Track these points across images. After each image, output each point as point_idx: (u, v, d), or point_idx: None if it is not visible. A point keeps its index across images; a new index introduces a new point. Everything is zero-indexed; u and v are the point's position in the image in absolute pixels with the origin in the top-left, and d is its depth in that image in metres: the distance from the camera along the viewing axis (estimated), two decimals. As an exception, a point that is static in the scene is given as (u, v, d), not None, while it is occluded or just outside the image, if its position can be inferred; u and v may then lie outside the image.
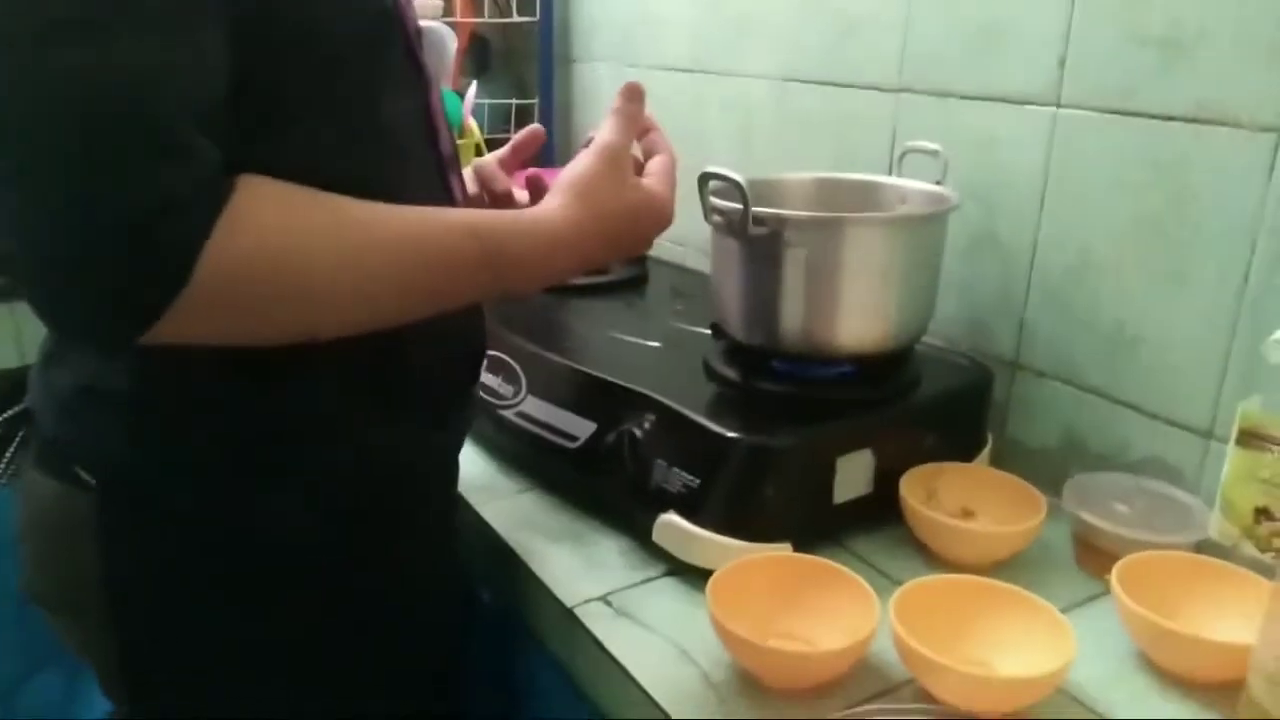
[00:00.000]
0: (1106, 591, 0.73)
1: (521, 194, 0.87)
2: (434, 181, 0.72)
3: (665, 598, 0.78)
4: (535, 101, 1.74)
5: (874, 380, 0.89)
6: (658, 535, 0.81)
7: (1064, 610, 0.68)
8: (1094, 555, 0.81)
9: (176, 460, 0.63)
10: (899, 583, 0.70)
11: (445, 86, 1.49)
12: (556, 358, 0.96)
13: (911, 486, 0.84)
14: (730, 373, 0.91)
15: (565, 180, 0.69)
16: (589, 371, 0.92)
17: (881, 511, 0.84)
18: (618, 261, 0.75)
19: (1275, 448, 0.70)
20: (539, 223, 0.66)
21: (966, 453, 0.93)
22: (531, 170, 0.88)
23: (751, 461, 0.79)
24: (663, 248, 1.52)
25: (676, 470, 0.81)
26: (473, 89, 1.44)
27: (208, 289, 0.49)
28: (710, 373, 0.93)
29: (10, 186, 0.47)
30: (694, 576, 0.78)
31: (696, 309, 1.11)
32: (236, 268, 0.51)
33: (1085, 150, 0.89)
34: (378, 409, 0.68)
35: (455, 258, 0.61)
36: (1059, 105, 0.91)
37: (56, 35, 0.46)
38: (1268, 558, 0.72)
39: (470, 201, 0.86)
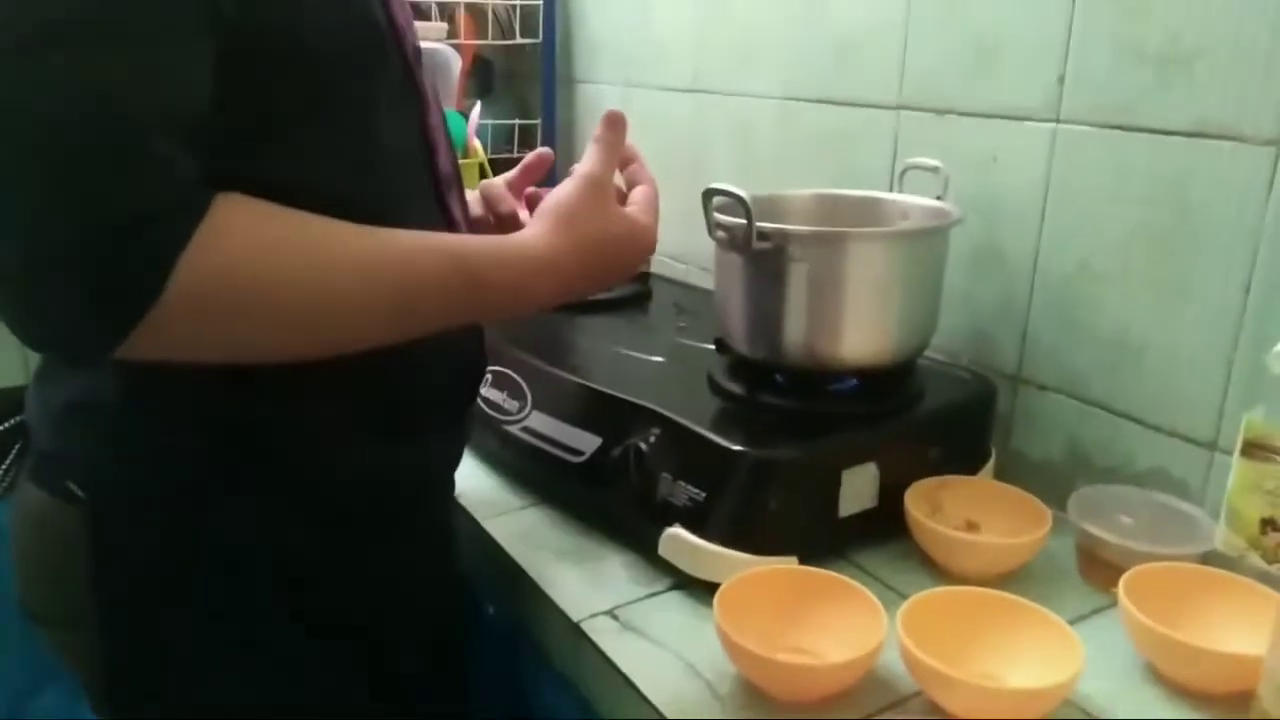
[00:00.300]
0: (1112, 604, 0.73)
1: (526, 215, 0.87)
2: (429, 201, 0.72)
3: (672, 611, 0.78)
4: (538, 122, 1.76)
5: (878, 394, 0.90)
6: (664, 549, 0.81)
7: (1070, 622, 0.68)
8: (1099, 568, 0.81)
9: (165, 474, 0.64)
10: (905, 596, 0.70)
11: (449, 108, 1.51)
12: (561, 373, 0.97)
13: (916, 500, 0.84)
14: (735, 387, 0.92)
15: (547, 207, 0.69)
16: (594, 386, 0.93)
17: (886, 525, 0.84)
18: (609, 285, 0.74)
19: None
20: (519, 249, 0.66)
21: (971, 466, 0.93)
22: (531, 189, 0.89)
23: (757, 474, 0.79)
24: (664, 265, 1.53)
25: (682, 484, 0.81)
26: (477, 109, 1.46)
27: (180, 304, 0.49)
28: (715, 387, 0.93)
29: None
30: (700, 590, 0.78)
31: (700, 325, 1.11)
32: (210, 283, 0.50)
33: (1086, 165, 0.90)
34: (371, 425, 0.69)
35: (432, 282, 0.60)
36: (1058, 121, 0.92)
37: (34, 44, 0.47)
38: (1274, 569, 0.72)
39: (475, 222, 0.86)
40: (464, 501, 0.95)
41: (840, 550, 0.85)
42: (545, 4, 1.68)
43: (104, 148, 0.47)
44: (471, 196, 0.89)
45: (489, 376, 1.01)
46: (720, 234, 0.88)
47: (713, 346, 0.98)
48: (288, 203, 0.57)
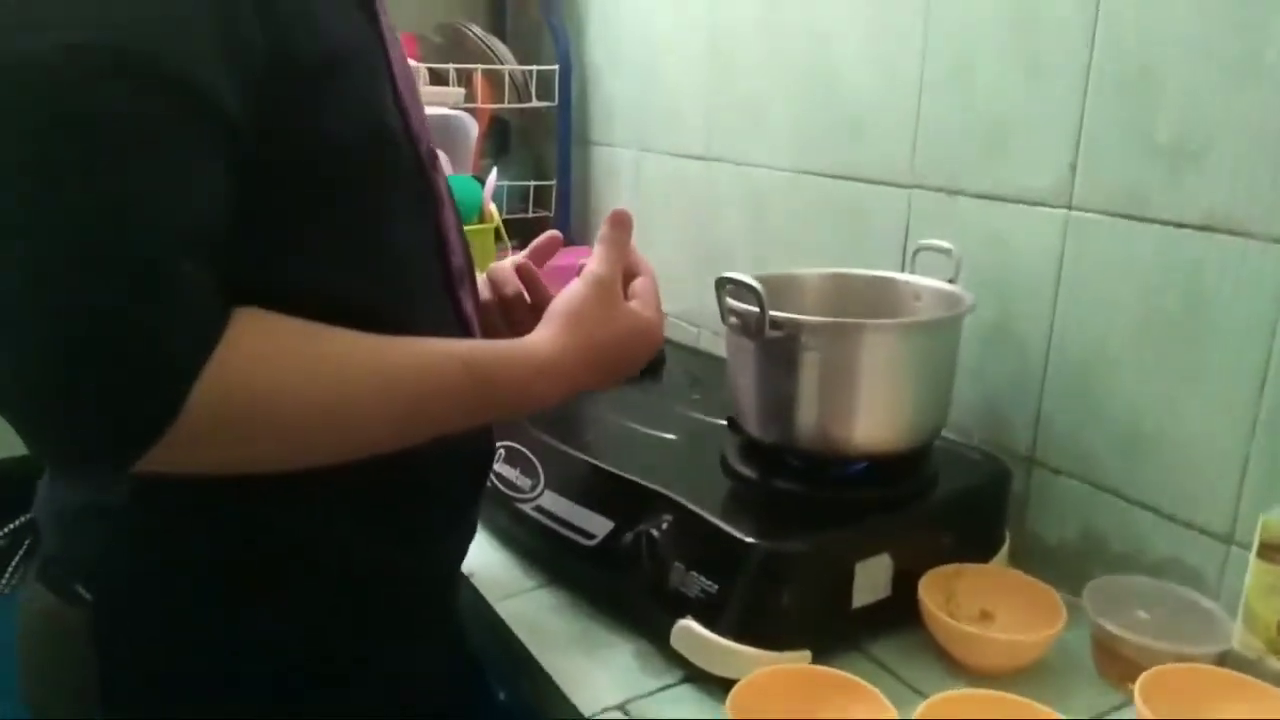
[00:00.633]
0: (1129, 700, 0.72)
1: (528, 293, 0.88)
2: (442, 299, 0.73)
3: (683, 707, 0.77)
4: (554, 183, 1.77)
5: (891, 479, 0.90)
6: (676, 641, 0.80)
7: (1087, 727, 0.67)
8: (1116, 663, 0.80)
9: (172, 578, 0.64)
10: (919, 691, 0.69)
11: (465, 173, 1.53)
12: (574, 452, 0.97)
13: (930, 589, 0.84)
14: (747, 470, 0.92)
15: (556, 310, 0.71)
16: (606, 468, 0.93)
17: (900, 613, 0.84)
18: (619, 381, 0.75)
19: (1297, 561, 0.70)
20: (528, 353, 0.67)
21: (985, 551, 0.92)
22: (525, 263, 0.89)
23: (770, 568, 0.78)
24: (677, 327, 1.54)
25: (694, 574, 0.81)
26: (493, 175, 1.47)
27: (197, 424, 0.50)
28: (727, 468, 0.93)
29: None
30: (713, 684, 0.77)
31: (712, 398, 1.11)
32: (227, 403, 0.51)
33: (1098, 251, 0.90)
34: (379, 525, 0.69)
35: (445, 391, 0.62)
36: (1070, 208, 0.92)
37: (50, 164, 0.47)
38: (1293, 672, 0.71)
39: (482, 308, 0.86)
40: (475, 581, 0.95)
41: (854, 641, 0.84)
42: (561, 69, 1.70)
43: (121, 268, 0.48)
44: (480, 279, 0.90)
45: (501, 452, 1.01)
46: (733, 320, 0.89)
47: (725, 422, 0.98)
48: (303, 309, 0.57)
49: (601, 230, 0.76)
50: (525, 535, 0.98)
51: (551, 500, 0.96)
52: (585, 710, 0.76)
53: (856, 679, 0.72)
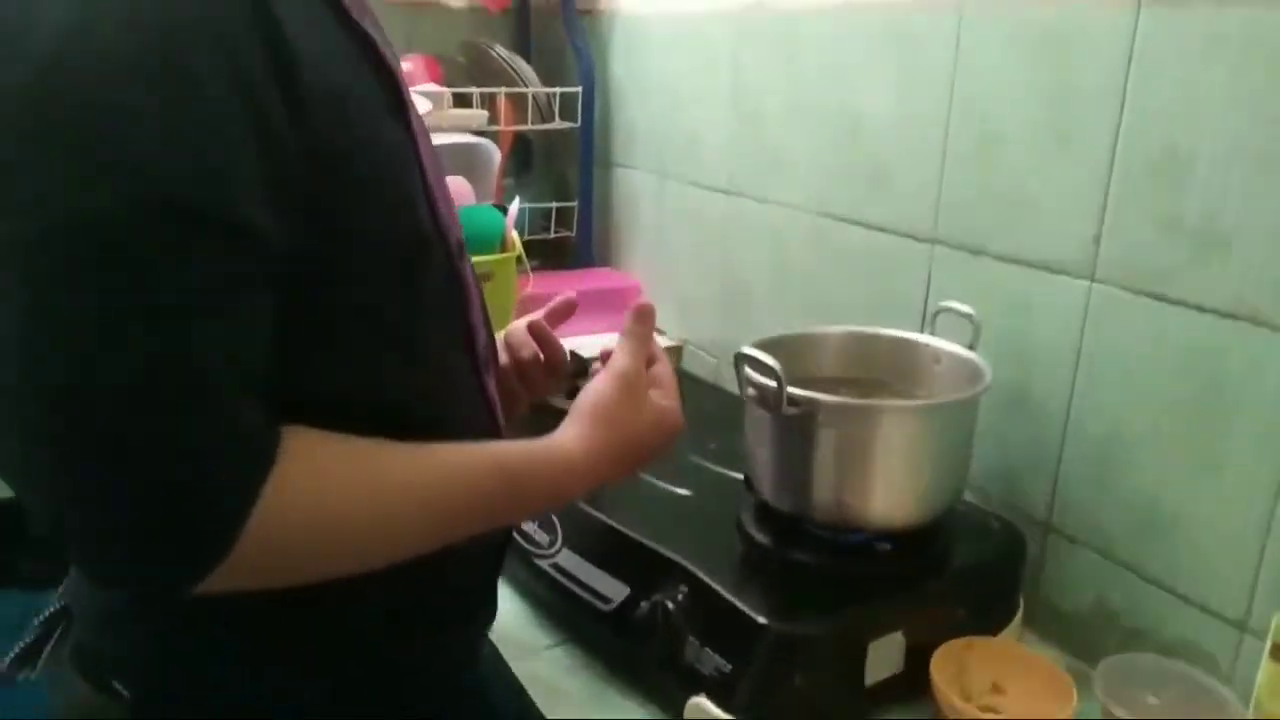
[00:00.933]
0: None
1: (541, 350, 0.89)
2: (469, 387, 0.73)
3: (695, 785, 0.78)
4: (575, 204, 1.77)
5: (906, 552, 0.90)
6: (689, 716, 0.81)
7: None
8: (1126, 748, 0.80)
9: (209, 676, 0.65)
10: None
11: (487, 202, 1.53)
12: (591, 510, 0.98)
13: (942, 665, 0.84)
14: (761, 535, 0.93)
15: (584, 407, 0.72)
16: (622, 530, 0.94)
17: (913, 687, 0.85)
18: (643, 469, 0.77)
19: (1310, 666, 0.70)
20: (558, 455, 0.69)
21: (998, 620, 0.93)
22: (536, 320, 0.90)
23: (784, 651, 0.79)
24: (695, 357, 1.55)
25: (708, 651, 0.82)
26: (515, 205, 1.47)
27: (249, 555, 0.51)
28: (742, 532, 0.94)
29: (52, 453, 0.49)
30: (724, 762, 0.79)
31: (728, 448, 1.11)
32: (278, 534, 0.53)
33: (1120, 327, 0.90)
34: (407, 620, 0.70)
35: (482, 499, 0.64)
36: (1093, 280, 0.92)
37: (111, 321, 0.48)
38: (1303, 774, 0.72)
39: (500, 374, 0.86)
40: (492, 636, 0.96)
41: (865, 716, 0.85)
42: (584, 90, 1.69)
43: (176, 410, 0.49)
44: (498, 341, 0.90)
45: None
46: (751, 392, 0.89)
47: (740, 476, 0.99)
48: (332, 407, 0.59)
49: (626, 323, 0.77)
50: (543, 591, 1.00)
51: (569, 559, 0.97)
52: (599, 786, 0.78)
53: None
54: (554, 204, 1.78)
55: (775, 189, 1.34)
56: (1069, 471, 0.97)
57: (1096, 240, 0.91)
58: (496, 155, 1.57)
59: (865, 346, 1.03)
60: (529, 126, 1.70)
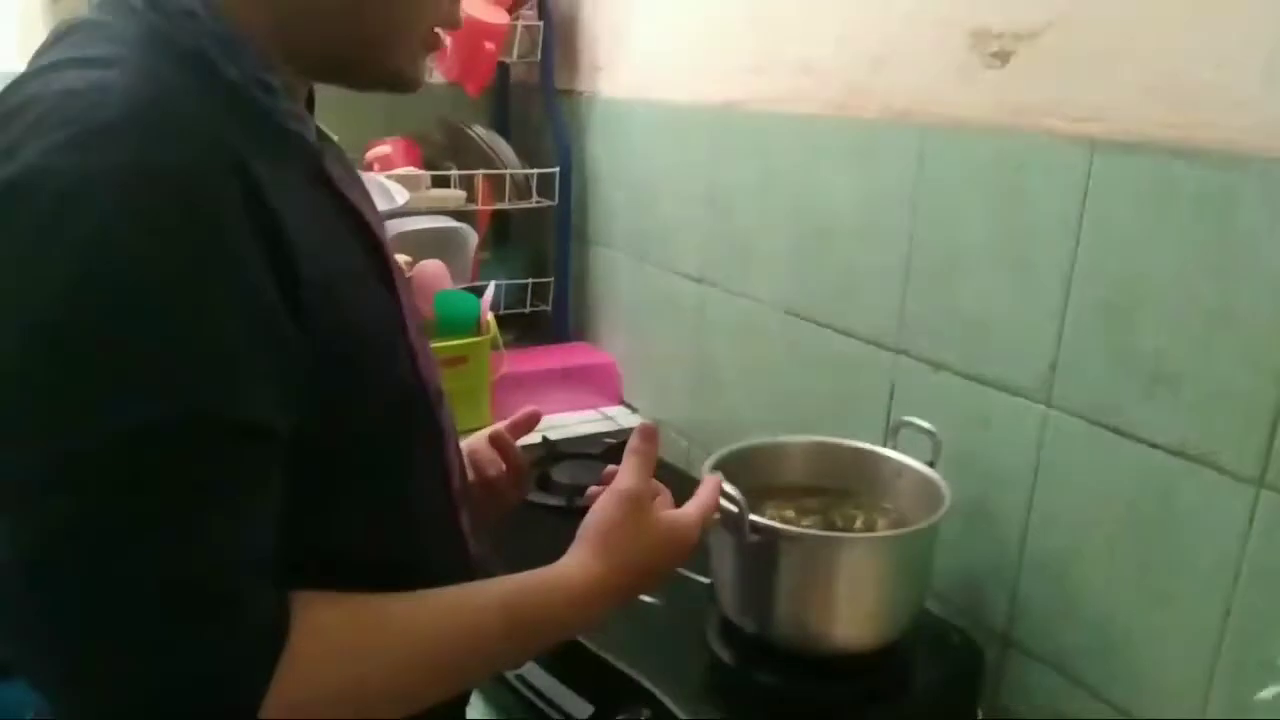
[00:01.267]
0: None
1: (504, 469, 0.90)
2: (446, 528, 0.75)
3: None
4: (551, 280, 1.79)
5: (865, 674, 0.91)
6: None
7: None
8: None
9: None
10: None
11: (464, 281, 1.55)
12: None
13: (900, 789, 0.86)
14: (725, 654, 0.94)
15: (589, 531, 0.71)
16: (589, 646, 0.95)
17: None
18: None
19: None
20: (565, 586, 0.68)
21: (957, 733, 0.94)
22: (497, 432, 0.91)
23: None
24: (669, 441, 1.56)
25: (669, 778, 0.83)
26: (490, 289, 1.49)
27: None
28: (707, 649, 0.95)
29: (64, 651, 0.50)
30: None
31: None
32: (293, 710, 0.53)
33: (1075, 453, 0.92)
34: None
35: (491, 647, 0.64)
36: (1049, 405, 0.94)
37: (128, 531, 0.49)
38: None
39: (467, 489, 0.88)
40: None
41: (823, 840, 0.86)
42: (561, 170, 1.72)
43: (191, 612, 0.50)
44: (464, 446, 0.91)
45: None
46: (716, 515, 0.90)
47: (708, 581, 1.00)
48: (321, 563, 0.60)
49: (631, 442, 0.76)
50: (511, 703, 1.00)
51: (536, 674, 0.98)
52: None
53: None
54: (530, 280, 1.80)
55: (746, 283, 1.36)
56: (1027, 587, 0.98)
57: (1052, 368, 0.93)
58: (473, 238, 1.59)
59: (829, 456, 1.05)
60: (507, 205, 1.72)
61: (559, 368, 1.68)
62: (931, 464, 0.98)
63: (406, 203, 1.47)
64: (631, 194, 1.63)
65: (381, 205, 1.17)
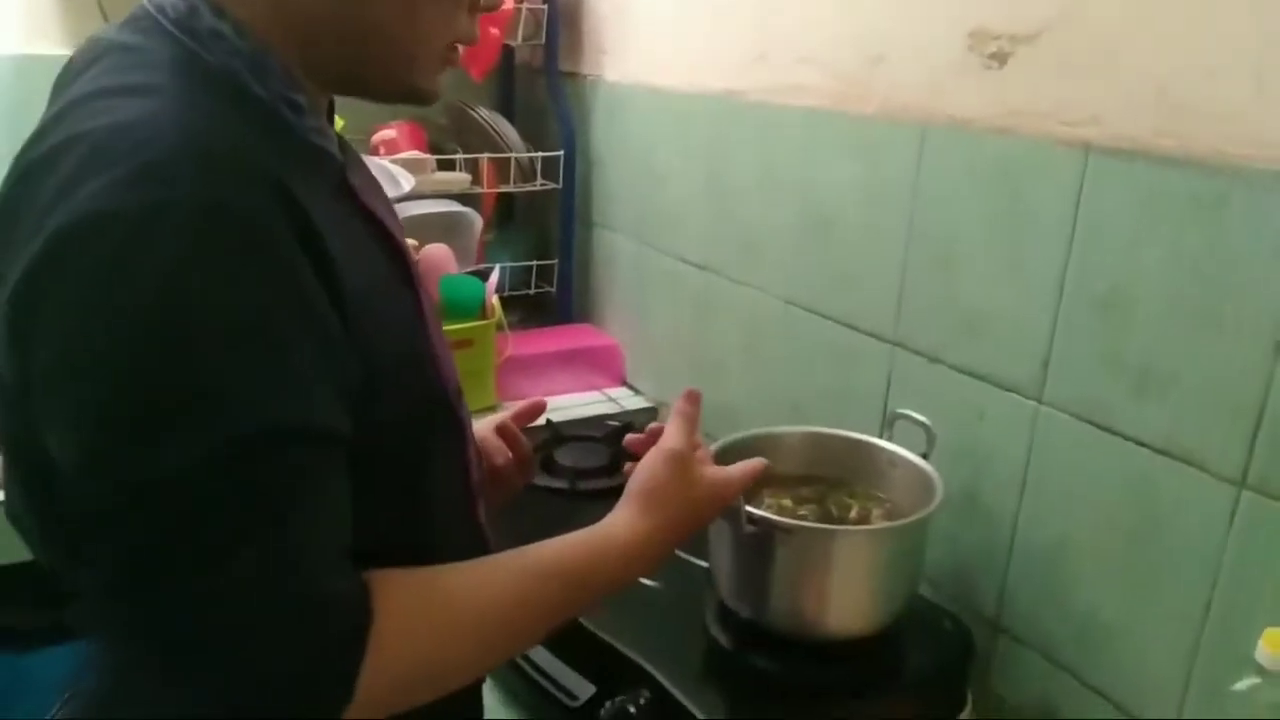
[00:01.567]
0: None
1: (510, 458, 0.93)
2: (465, 520, 0.78)
3: None
4: (555, 262, 1.81)
5: (859, 658, 0.95)
6: None
7: None
8: None
9: None
10: None
11: (469, 265, 1.57)
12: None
13: (890, 769, 0.89)
14: (723, 638, 0.97)
15: (636, 489, 0.76)
16: (590, 629, 0.98)
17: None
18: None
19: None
20: (614, 544, 0.73)
21: (948, 716, 0.97)
22: (503, 422, 0.94)
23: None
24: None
25: (668, 757, 0.86)
26: (495, 274, 1.51)
27: (363, 705, 0.56)
28: (705, 633, 0.98)
29: (171, 660, 0.54)
30: None
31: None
32: (385, 683, 0.58)
33: (1065, 448, 0.95)
34: None
35: (551, 609, 0.69)
36: (1041, 402, 0.96)
37: (222, 537, 0.53)
38: None
39: (482, 481, 0.90)
40: None
41: (816, 818, 0.90)
42: (565, 154, 1.73)
43: (286, 606, 0.54)
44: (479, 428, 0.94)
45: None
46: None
47: (706, 565, 1.03)
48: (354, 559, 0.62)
49: (677, 404, 0.82)
50: (515, 681, 1.04)
51: (540, 654, 1.01)
52: None
53: None
54: (535, 262, 1.82)
55: (748, 272, 1.38)
56: (1016, 576, 1.02)
57: (1045, 365, 0.96)
58: (478, 222, 1.61)
59: (826, 446, 1.08)
60: (511, 188, 1.74)
61: (563, 350, 1.70)
62: (925, 456, 1.01)
63: (412, 187, 1.48)
64: (635, 178, 1.65)
65: (388, 190, 1.19)
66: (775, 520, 0.89)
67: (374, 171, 0.80)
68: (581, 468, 1.34)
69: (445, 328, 1.26)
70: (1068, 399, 0.94)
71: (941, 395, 1.07)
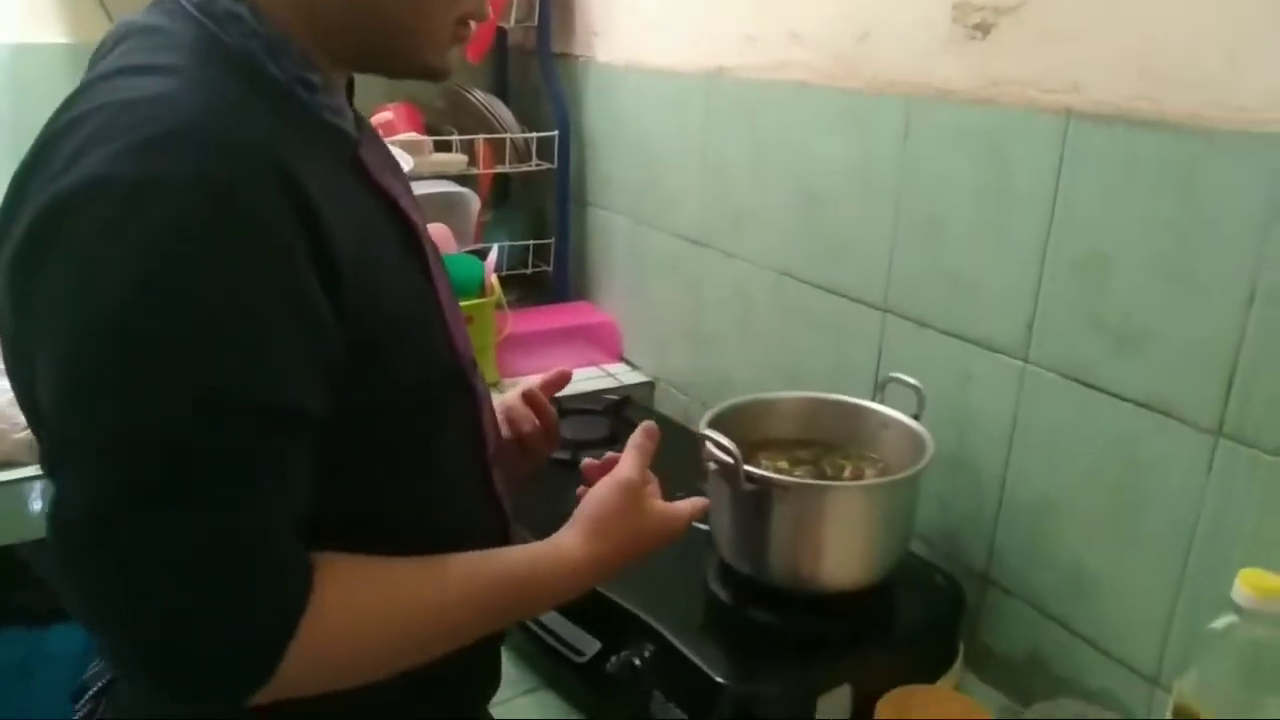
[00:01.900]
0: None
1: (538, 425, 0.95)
2: (481, 490, 0.80)
3: (659, 832, 0.87)
4: (551, 241, 1.84)
5: (854, 611, 0.98)
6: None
7: None
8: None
9: None
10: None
11: (468, 245, 1.59)
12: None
13: (885, 712, 0.93)
14: (723, 593, 1.01)
15: (586, 512, 0.78)
16: (596, 588, 1.01)
17: (858, 733, 0.93)
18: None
19: (1204, 729, 0.79)
20: (562, 561, 0.75)
21: (940, 667, 1.01)
22: (531, 390, 0.97)
23: (740, 706, 0.88)
24: (669, 395, 1.63)
25: (673, 705, 0.90)
26: (493, 253, 1.54)
27: (291, 677, 0.59)
28: (705, 588, 1.02)
29: (119, 598, 0.56)
30: (686, 810, 0.87)
31: (696, 494, 1.19)
32: (314, 659, 0.60)
33: (1049, 406, 0.98)
34: (426, 698, 0.75)
35: (494, 612, 0.72)
36: (1026, 361, 1.00)
37: (176, 498, 0.55)
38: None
39: (502, 448, 0.92)
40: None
41: (814, 761, 0.94)
42: (560, 134, 1.76)
43: (228, 570, 0.56)
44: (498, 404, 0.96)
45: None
46: (713, 466, 0.97)
47: (706, 528, 1.07)
48: (358, 525, 0.66)
49: (633, 437, 0.83)
50: (522, 639, 1.07)
51: (547, 613, 1.05)
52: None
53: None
54: (531, 241, 1.85)
55: (741, 245, 1.41)
56: (1004, 531, 1.05)
57: (1029, 326, 0.99)
58: (476, 202, 1.64)
59: (820, 411, 1.11)
60: (507, 168, 1.77)
61: (561, 327, 1.74)
62: (916, 417, 1.05)
63: (411, 169, 1.51)
64: (628, 157, 1.68)
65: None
66: (772, 478, 0.93)
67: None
68: (583, 439, 1.37)
69: (447, 304, 1.29)
70: (1052, 358, 0.98)
71: (931, 358, 1.10)
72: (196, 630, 0.56)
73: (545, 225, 1.90)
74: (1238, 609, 0.75)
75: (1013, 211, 0.99)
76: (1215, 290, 0.83)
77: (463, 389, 0.77)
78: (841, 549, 0.95)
